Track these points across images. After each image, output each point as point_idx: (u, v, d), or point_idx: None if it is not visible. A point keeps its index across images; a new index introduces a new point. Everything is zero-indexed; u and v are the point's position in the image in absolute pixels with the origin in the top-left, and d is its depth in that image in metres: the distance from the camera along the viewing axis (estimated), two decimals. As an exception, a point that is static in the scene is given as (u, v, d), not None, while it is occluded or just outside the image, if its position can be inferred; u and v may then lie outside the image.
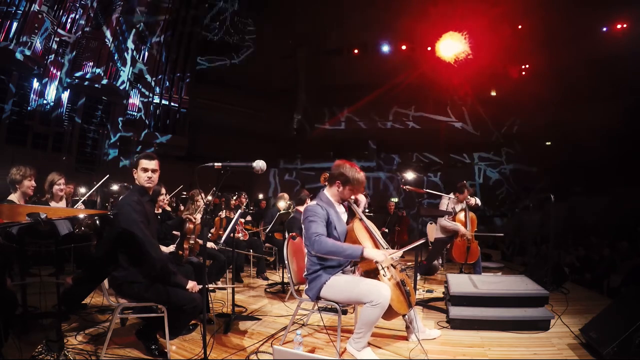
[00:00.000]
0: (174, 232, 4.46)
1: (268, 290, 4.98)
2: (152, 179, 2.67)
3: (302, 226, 2.81)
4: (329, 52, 15.18)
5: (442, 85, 13.46)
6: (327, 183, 2.98)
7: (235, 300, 3.75)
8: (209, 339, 2.85)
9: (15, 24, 9.90)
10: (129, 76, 13.36)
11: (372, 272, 2.78)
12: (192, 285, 2.69)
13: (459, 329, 3.41)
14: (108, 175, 4.89)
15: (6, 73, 10.42)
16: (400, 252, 2.82)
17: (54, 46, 11.13)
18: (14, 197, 3.27)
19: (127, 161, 13.12)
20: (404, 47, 13.98)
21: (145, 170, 2.65)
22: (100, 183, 4.78)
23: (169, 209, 5.04)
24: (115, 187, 7.41)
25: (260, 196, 11.84)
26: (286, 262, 3.03)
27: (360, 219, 2.95)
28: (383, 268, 2.78)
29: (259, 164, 2.41)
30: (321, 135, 15.56)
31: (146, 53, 13.91)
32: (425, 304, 4.26)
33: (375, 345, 2.99)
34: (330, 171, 2.93)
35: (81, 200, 4.69)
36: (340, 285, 2.74)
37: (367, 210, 3.30)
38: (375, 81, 13.96)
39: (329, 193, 2.91)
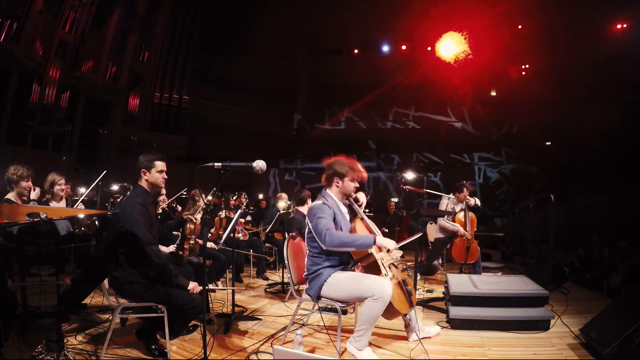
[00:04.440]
0: (174, 232, 4.45)
1: (268, 290, 4.97)
2: (165, 179, 2.78)
3: (309, 225, 2.77)
4: (329, 52, 15.17)
5: (442, 85, 13.44)
6: (326, 184, 2.98)
7: (235, 300, 3.74)
8: (209, 339, 2.85)
9: (15, 24, 9.90)
10: (129, 76, 13.37)
11: (372, 272, 2.77)
12: (193, 286, 2.69)
13: (459, 329, 3.40)
14: (105, 171, 4.90)
15: (6, 73, 10.42)
16: (400, 252, 2.82)
17: (54, 46, 11.13)
18: (11, 195, 3.26)
19: (127, 161, 13.12)
20: (404, 47, 13.96)
21: (161, 171, 2.73)
22: (99, 179, 4.78)
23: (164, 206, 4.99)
24: (115, 187, 7.41)
25: (260, 196, 11.85)
26: (286, 262, 3.02)
27: (362, 218, 2.96)
28: (384, 267, 2.78)
29: (259, 164, 2.41)
30: (321, 135, 15.55)
31: (146, 53, 13.92)
32: (425, 304, 4.26)
33: (375, 345, 2.99)
34: (325, 173, 2.93)
35: (80, 200, 4.69)
36: (341, 282, 2.73)
37: (367, 211, 3.30)
38: (375, 81, 13.96)
39: (332, 193, 2.92)
